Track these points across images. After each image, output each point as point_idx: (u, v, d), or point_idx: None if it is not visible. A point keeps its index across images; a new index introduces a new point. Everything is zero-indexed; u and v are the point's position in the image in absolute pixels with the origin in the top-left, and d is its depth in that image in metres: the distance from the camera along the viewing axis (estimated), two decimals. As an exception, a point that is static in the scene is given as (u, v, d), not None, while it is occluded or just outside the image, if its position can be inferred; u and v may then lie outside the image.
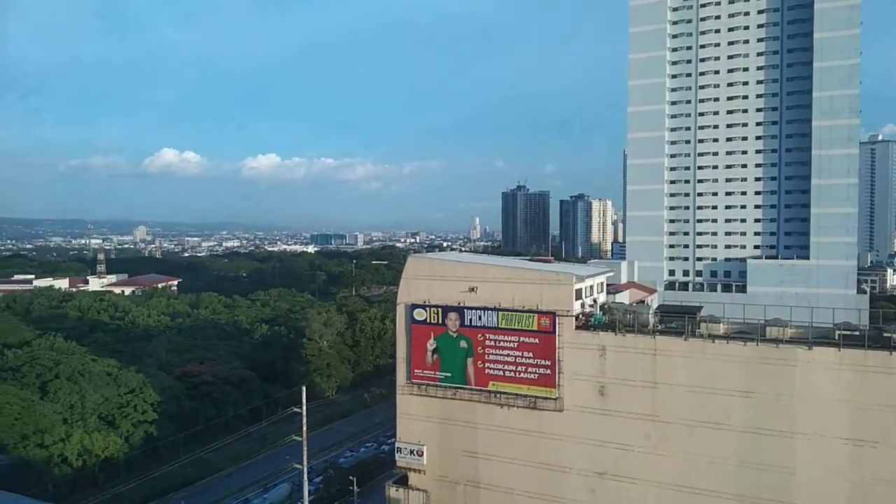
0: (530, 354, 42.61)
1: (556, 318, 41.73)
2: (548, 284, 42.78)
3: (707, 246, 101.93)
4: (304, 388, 48.48)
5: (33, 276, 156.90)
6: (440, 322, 45.50)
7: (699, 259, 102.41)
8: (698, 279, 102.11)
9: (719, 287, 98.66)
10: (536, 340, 42.39)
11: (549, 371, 41.95)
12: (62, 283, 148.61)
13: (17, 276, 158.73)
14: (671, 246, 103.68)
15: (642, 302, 56.14)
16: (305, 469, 45.98)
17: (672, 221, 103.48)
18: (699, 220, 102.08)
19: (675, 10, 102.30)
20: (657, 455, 38.89)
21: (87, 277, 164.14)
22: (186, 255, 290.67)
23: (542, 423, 42.29)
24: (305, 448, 46.44)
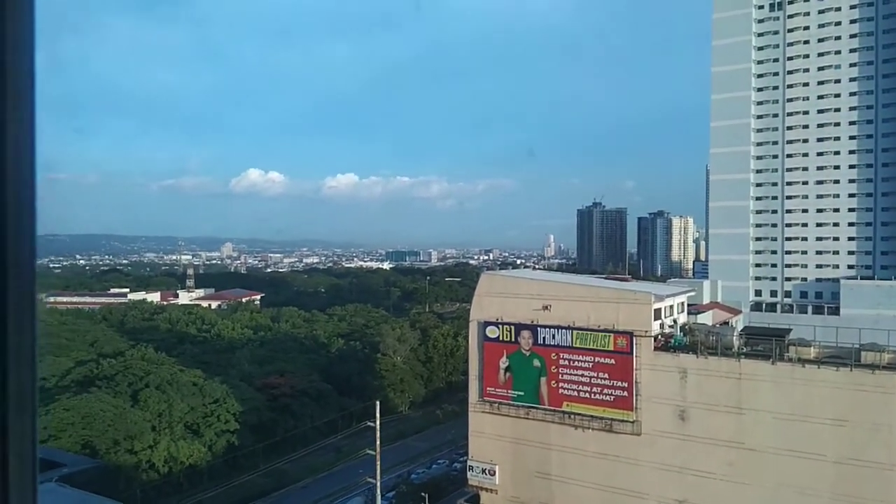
0: (606, 375, 41.57)
1: (634, 339, 40.58)
2: (625, 303, 41.74)
3: (796, 265, 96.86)
4: (377, 403, 49.06)
5: (128, 290, 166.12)
6: (513, 340, 45.14)
7: (788, 279, 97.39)
8: (787, 300, 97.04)
9: (810, 309, 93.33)
10: (613, 361, 41.33)
11: (625, 393, 40.76)
12: (154, 297, 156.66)
13: (113, 290, 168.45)
14: (758, 265, 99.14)
15: (726, 323, 53.81)
16: (378, 483, 46.38)
17: (758, 239, 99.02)
18: (788, 238, 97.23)
19: (760, 21, 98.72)
20: (742, 484, 36.97)
21: (178, 291, 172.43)
22: (269, 270, 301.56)
23: (618, 446, 41.07)
24: (378, 462, 46.86)
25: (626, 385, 40.74)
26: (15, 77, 1.18)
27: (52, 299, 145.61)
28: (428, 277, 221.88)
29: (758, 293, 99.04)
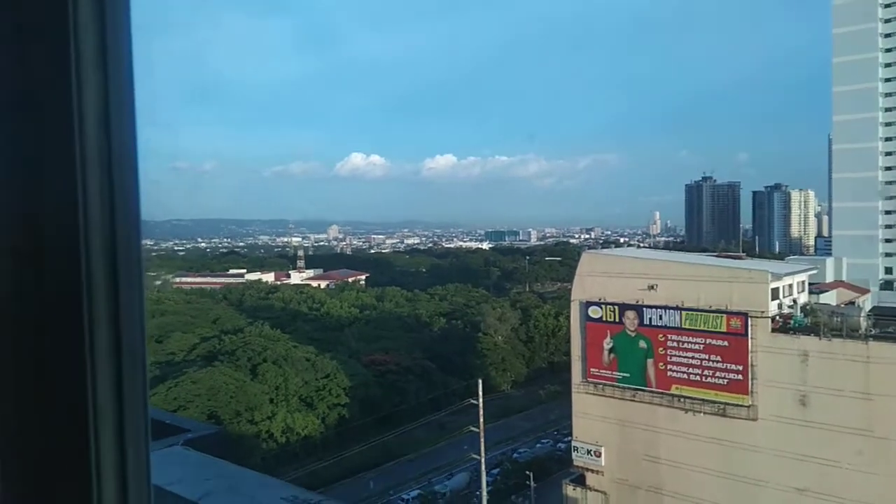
0: (718, 358, 39.92)
1: (749, 320, 38.65)
2: (739, 282, 39.79)
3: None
4: (479, 381, 49.68)
5: (245, 271, 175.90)
6: (617, 320, 44.20)
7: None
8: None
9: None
10: (726, 343, 39.61)
11: (740, 376, 39.01)
12: (268, 277, 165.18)
13: (231, 271, 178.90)
14: (887, 240, 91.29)
15: (852, 303, 50.11)
16: (483, 460, 47.11)
17: (889, 213, 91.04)
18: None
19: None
20: (871, 474, 34.55)
21: (289, 272, 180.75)
22: (373, 251, 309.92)
23: (732, 431, 39.45)
24: (482, 439, 47.56)
25: (740, 368, 38.95)
26: (116, 72, 1.28)
27: (177, 280, 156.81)
28: (527, 257, 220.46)
29: (888, 271, 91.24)
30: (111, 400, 1.29)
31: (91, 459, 1.26)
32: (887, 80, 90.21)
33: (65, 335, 1.25)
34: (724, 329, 39.64)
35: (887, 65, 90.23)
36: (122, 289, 1.31)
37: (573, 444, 47.05)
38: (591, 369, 45.58)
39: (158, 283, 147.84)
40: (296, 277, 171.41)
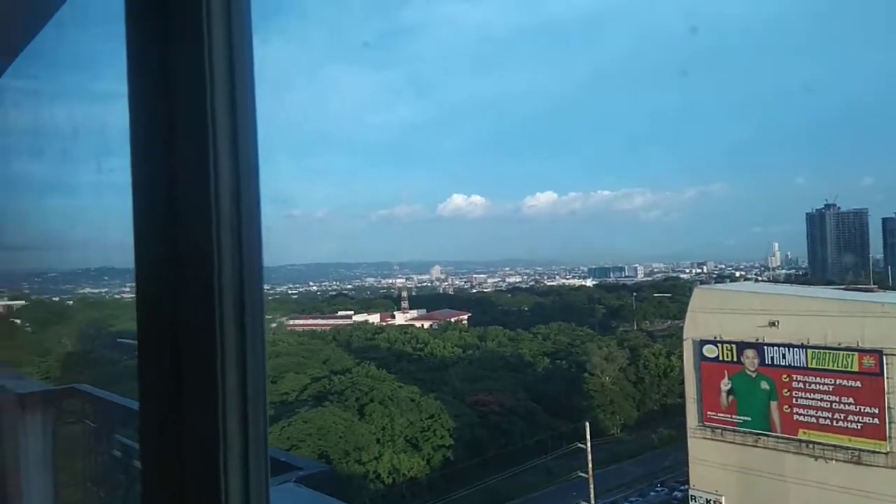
0: (851, 400, 36.67)
1: (884, 358, 35.33)
2: (871, 317, 36.61)
3: None
4: (587, 424, 48.14)
5: (352, 312, 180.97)
6: (735, 360, 41.69)
7: None
8: None
9: None
10: (858, 384, 36.39)
11: (876, 420, 35.58)
12: (374, 318, 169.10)
13: (340, 312, 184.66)
14: None
15: None
16: (592, 507, 45.29)
17: None
18: None
19: None
20: None
21: (394, 312, 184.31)
22: (474, 291, 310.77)
23: (868, 480, 35.89)
24: (591, 485, 45.82)
25: (876, 411, 35.55)
26: (244, 126, 1.46)
27: (291, 322, 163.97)
28: (634, 294, 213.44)
29: None
30: (238, 437, 1.41)
31: (221, 495, 1.37)
32: None
33: (200, 376, 1.40)
34: (856, 368, 36.47)
35: None
36: (248, 332, 1.44)
37: (690, 492, 44.38)
38: (708, 412, 43.07)
39: (274, 325, 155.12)
40: (400, 318, 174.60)
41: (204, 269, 1.41)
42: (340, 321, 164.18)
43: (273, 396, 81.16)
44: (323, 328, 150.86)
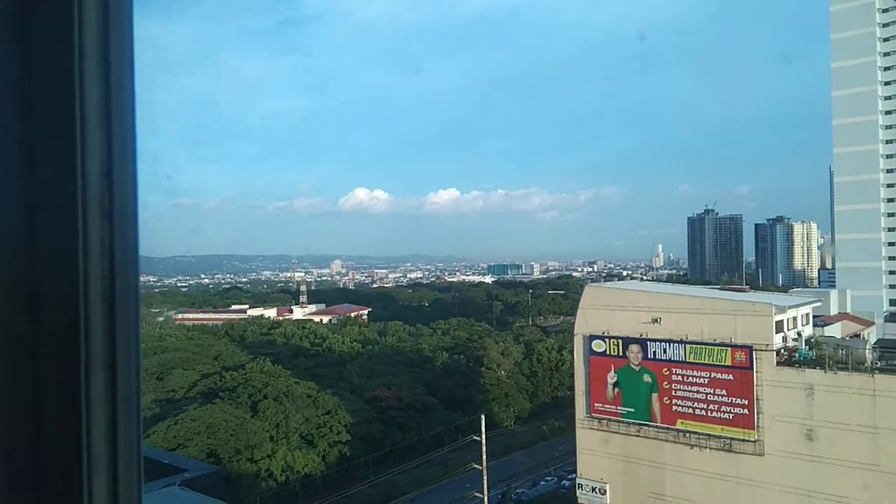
0: (724, 392, 39.44)
1: (754, 353, 38.28)
2: (743, 315, 39.51)
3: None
4: (482, 417, 49.08)
5: (247, 306, 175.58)
6: (621, 354, 43.81)
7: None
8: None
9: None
10: (731, 377, 39.17)
11: (746, 411, 38.47)
12: (271, 313, 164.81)
13: (234, 307, 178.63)
14: (891, 272, 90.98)
15: (857, 336, 49.65)
16: (486, 498, 46.25)
17: (892, 244, 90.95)
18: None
19: (885, 11, 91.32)
20: (882, 513, 33.82)
21: (292, 307, 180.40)
22: (375, 286, 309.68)
23: (739, 467, 38.75)
24: (485, 477, 46.78)
25: (746, 402, 38.44)
26: (119, 109, 1.32)
27: (180, 316, 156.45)
28: (530, 290, 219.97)
29: (892, 303, 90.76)
30: (105, 446, 1.29)
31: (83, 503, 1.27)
32: (887, 112, 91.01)
33: (60, 380, 1.25)
34: (728, 363, 39.25)
35: (887, 97, 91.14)
36: (119, 329, 1.31)
37: (577, 481, 46.24)
38: (596, 404, 45.03)
39: (161, 319, 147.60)
40: (298, 313, 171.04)
41: (66, 255, 1.24)
42: (234, 315, 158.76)
43: (159, 394, 77.19)
44: (215, 322, 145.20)
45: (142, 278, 1.40)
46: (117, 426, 1.31)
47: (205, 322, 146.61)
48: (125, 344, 1.32)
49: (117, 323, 1.31)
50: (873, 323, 74.24)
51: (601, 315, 45.27)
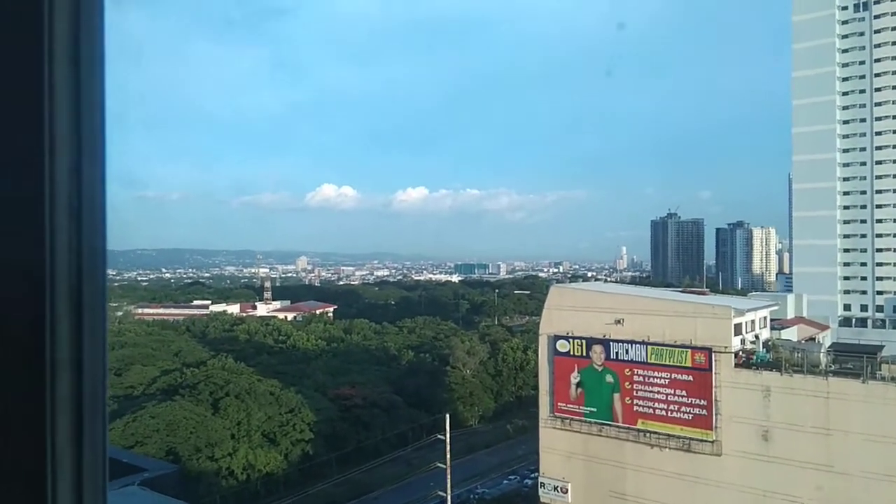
0: (683, 392, 40.21)
1: (713, 355, 39.11)
2: (703, 318, 40.33)
3: (888, 278, 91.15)
4: (447, 416, 49.17)
5: (210, 302, 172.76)
6: (584, 354, 44.33)
7: (879, 292, 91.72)
8: (878, 315, 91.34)
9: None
10: (690, 378, 39.95)
11: (704, 411, 39.28)
12: (234, 309, 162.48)
13: (196, 302, 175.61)
14: (846, 278, 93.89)
15: (812, 339, 51.11)
16: (450, 497, 46.35)
17: (847, 251, 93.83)
18: (879, 250, 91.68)
19: (844, 23, 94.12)
20: (832, 511, 34.89)
21: (256, 303, 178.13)
22: (341, 283, 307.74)
23: (697, 467, 39.56)
24: (449, 476, 46.88)
25: (704, 403, 39.25)
26: (88, 99, 1.27)
27: (140, 311, 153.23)
28: (497, 290, 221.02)
29: (847, 307, 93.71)
30: (70, 448, 1.27)
31: None
32: (845, 122, 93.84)
33: (23, 382, 1.23)
34: (688, 364, 40.01)
35: (844, 107, 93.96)
36: (87, 328, 1.28)
37: (540, 479, 46.63)
38: (559, 404, 45.47)
39: (120, 314, 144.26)
40: (262, 309, 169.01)
41: (32, 253, 1.20)
42: (196, 311, 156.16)
43: (117, 390, 75.50)
44: (176, 318, 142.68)
45: None
46: (83, 426, 1.29)
47: (166, 317, 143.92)
48: (91, 344, 1.30)
49: (84, 323, 1.28)
50: (828, 327, 76.53)
51: (566, 315, 45.74)
